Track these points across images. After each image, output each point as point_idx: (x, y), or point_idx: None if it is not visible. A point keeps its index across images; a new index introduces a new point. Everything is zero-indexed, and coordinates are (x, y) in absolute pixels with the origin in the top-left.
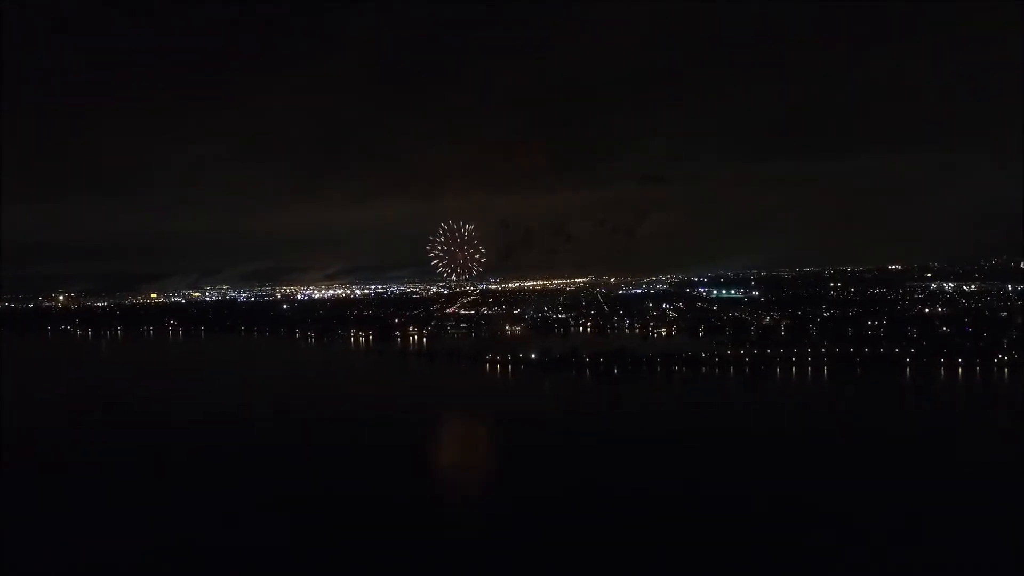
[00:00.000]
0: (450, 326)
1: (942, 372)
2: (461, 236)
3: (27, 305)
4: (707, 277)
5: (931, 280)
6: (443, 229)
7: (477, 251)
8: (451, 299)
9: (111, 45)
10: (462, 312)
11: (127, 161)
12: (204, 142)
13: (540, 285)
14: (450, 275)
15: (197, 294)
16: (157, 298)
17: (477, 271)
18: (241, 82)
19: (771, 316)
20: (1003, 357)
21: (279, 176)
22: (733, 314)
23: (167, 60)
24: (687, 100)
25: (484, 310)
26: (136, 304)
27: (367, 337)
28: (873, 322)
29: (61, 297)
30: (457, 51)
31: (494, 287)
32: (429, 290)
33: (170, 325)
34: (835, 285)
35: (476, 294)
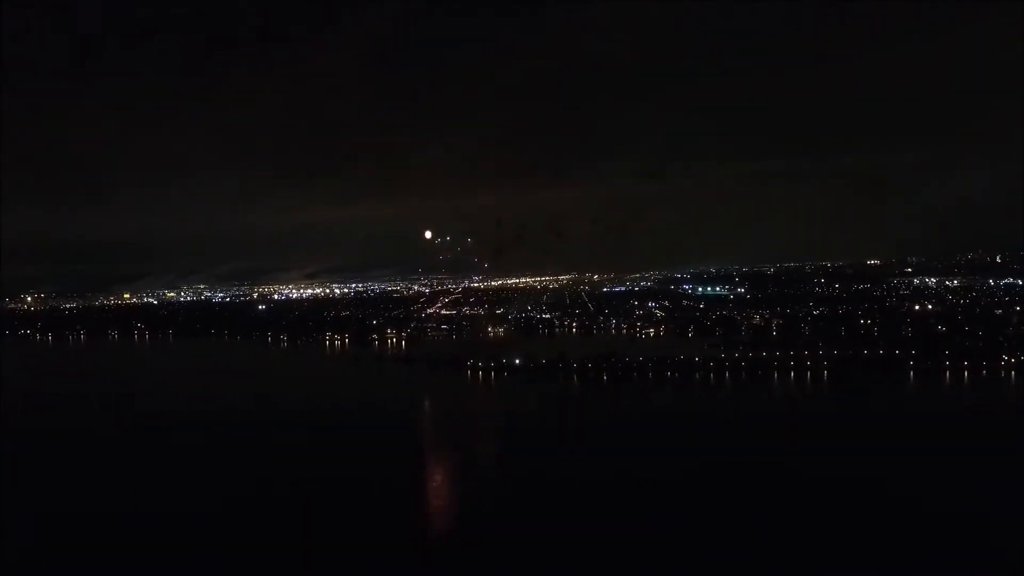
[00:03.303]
0: (430, 328)
1: (947, 376)
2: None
3: None
4: (690, 274)
5: (912, 275)
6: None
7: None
8: (432, 298)
9: (86, 39)
10: (443, 312)
11: (103, 160)
12: (182, 140)
13: (523, 283)
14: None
15: (172, 294)
16: (130, 299)
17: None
18: (222, 80)
19: (760, 315)
20: (1008, 359)
21: (259, 174)
22: (721, 313)
23: (145, 56)
24: (678, 99)
25: (466, 310)
26: (106, 306)
27: (343, 340)
28: (866, 320)
29: (29, 299)
30: (451, 47)
31: (477, 285)
32: (411, 288)
33: (138, 329)
34: (819, 281)
35: (458, 293)
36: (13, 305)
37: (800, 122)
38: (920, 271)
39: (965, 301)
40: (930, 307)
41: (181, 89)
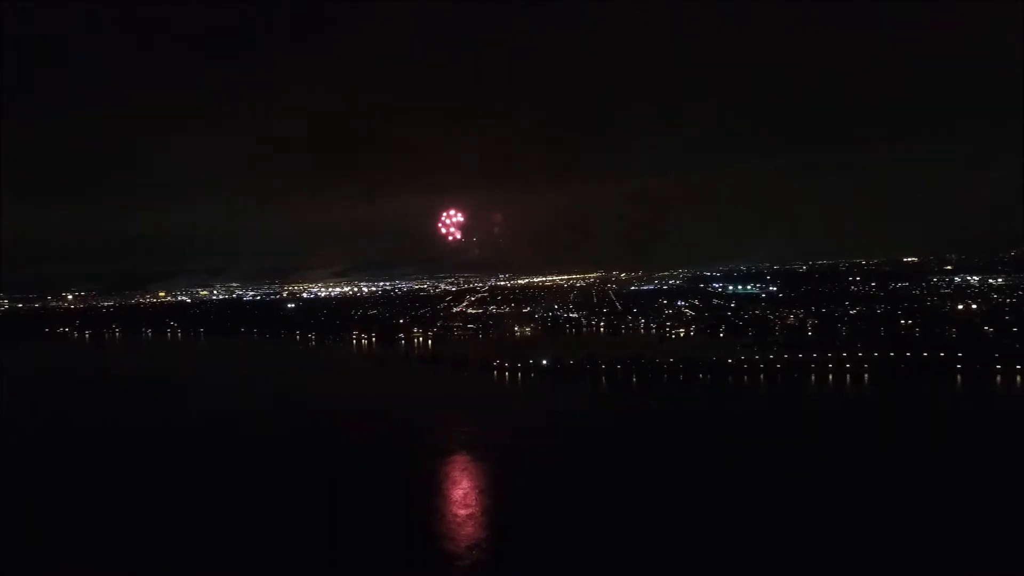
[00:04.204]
0: (457, 327)
1: (999, 380)
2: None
3: (35, 305)
4: (720, 272)
5: (953, 273)
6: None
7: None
8: (458, 297)
9: (116, 40)
10: (470, 311)
11: (137, 159)
12: (214, 140)
13: (550, 281)
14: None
15: (205, 292)
16: (165, 297)
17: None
18: (250, 79)
19: (794, 314)
20: None
21: (289, 173)
22: (753, 312)
23: (175, 56)
24: (703, 96)
25: (493, 309)
26: (141, 304)
27: (370, 339)
28: (906, 321)
29: (70, 296)
30: (472, 47)
31: (503, 283)
32: (437, 287)
33: (170, 327)
34: (854, 279)
35: (484, 291)
36: (55, 303)
37: (830, 117)
38: (961, 269)
39: (1012, 300)
40: (974, 307)
41: (212, 90)
